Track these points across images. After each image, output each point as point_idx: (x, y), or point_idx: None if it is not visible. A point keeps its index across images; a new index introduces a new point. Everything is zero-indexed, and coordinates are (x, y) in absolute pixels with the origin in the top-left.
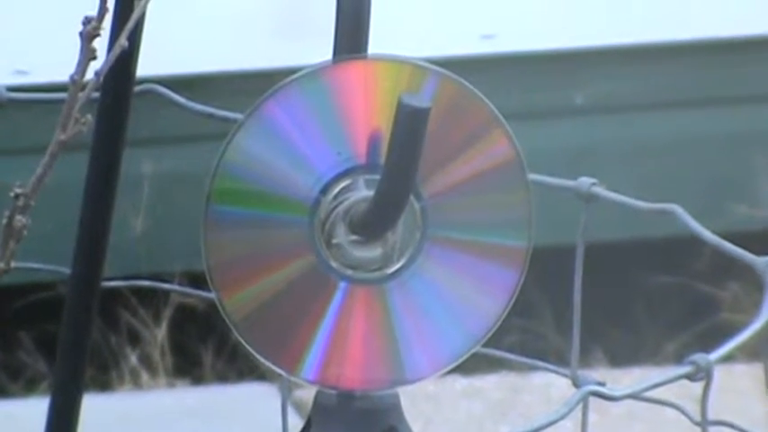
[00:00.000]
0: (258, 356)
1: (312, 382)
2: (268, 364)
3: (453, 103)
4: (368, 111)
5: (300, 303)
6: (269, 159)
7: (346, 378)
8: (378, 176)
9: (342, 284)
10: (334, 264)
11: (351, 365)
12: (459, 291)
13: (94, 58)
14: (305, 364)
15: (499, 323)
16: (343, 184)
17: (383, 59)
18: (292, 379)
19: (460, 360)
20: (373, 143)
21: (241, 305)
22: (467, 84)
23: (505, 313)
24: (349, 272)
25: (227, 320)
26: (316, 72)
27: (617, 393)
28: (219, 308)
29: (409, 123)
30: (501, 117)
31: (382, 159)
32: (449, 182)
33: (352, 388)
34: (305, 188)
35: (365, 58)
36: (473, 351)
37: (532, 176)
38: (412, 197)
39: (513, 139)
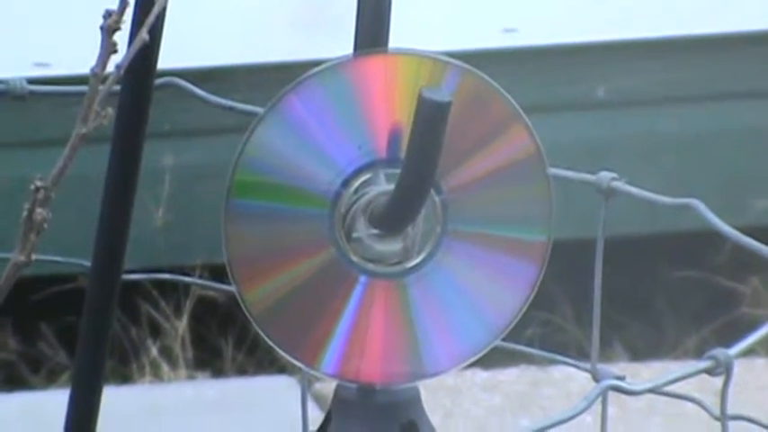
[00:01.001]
0: (278, 350)
1: (332, 376)
2: (288, 357)
3: (474, 98)
4: (389, 105)
5: (320, 297)
6: (289, 153)
7: (366, 372)
8: (398, 170)
9: (362, 278)
10: (354, 258)
11: (370, 359)
12: (480, 285)
13: (115, 51)
14: (325, 358)
15: (519, 317)
16: (363, 178)
17: (404, 53)
18: (312, 372)
19: (480, 354)
20: (394, 137)
21: (261, 298)
22: (488, 78)
23: (525, 307)
24: (369, 266)
25: (247, 314)
26: (336, 66)
27: (637, 388)
28: (240, 301)
29: (430, 117)
30: (521, 111)
31: (403, 153)
32: (469, 176)
33: (371, 381)
34: (325, 182)
35: (386, 51)
36: (493, 345)
37: (552, 170)
38: (432, 191)
39: (533, 134)
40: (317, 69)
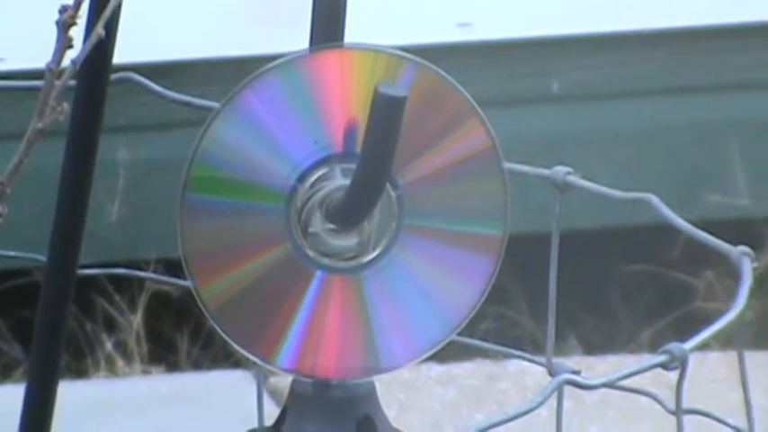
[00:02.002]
0: (234, 345)
1: (288, 371)
2: (244, 352)
3: (430, 92)
4: (344, 99)
5: (276, 292)
6: (245, 147)
7: (322, 366)
8: (354, 165)
9: (318, 273)
10: (310, 253)
11: (326, 354)
12: (435, 279)
13: (71, 46)
14: (281, 353)
15: (475, 311)
16: (319, 173)
17: (360, 48)
18: (268, 368)
19: (436, 348)
20: (350, 132)
21: (217, 293)
22: (443, 73)
23: (481, 301)
24: (325, 261)
25: (203, 309)
26: (292, 61)
27: (592, 382)
28: (195, 296)
29: (386, 112)
30: (477, 106)
31: (359, 148)
32: (425, 171)
33: (327, 376)
34: (281, 176)
35: (342, 46)
36: (449, 339)
37: (508, 165)
38: (388, 186)
39: (489, 128)
40: (272, 64)
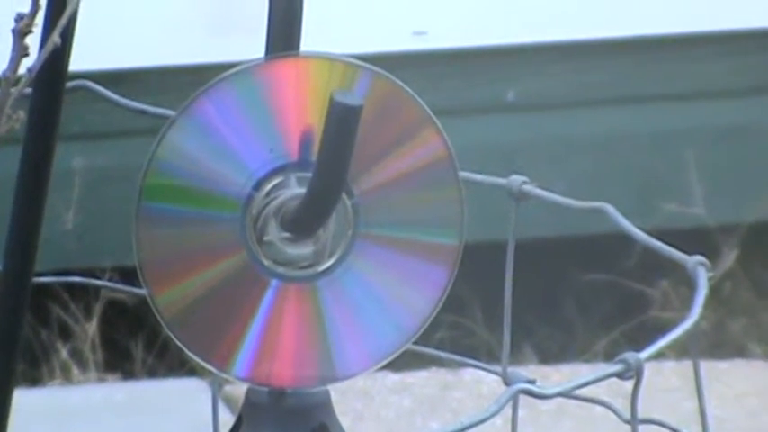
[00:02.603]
0: (189, 353)
1: (243, 380)
2: (199, 361)
3: (385, 101)
4: (300, 108)
5: (232, 300)
6: (201, 156)
7: (277, 375)
8: (310, 174)
9: (273, 282)
10: (265, 261)
11: (282, 363)
12: (391, 288)
13: (27, 54)
14: (236, 362)
15: (430, 320)
16: (275, 182)
17: (315, 57)
18: (223, 376)
19: (392, 357)
20: (305, 140)
21: (172, 302)
22: (398, 81)
23: (437, 310)
24: (280, 269)
25: (159, 317)
26: (248, 69)
27: (547, 392)
28: (151, 304)
29: (341, 121)
30: (432, 115)
31: (314, 157)
32: (380, 179)
33: (283, 385)
34: (237, 185)
35: (297, 55)
36: (404, 348)
37: (464, 174)
38: (343, 194)
39: (444, 137)
40: (228, 73)
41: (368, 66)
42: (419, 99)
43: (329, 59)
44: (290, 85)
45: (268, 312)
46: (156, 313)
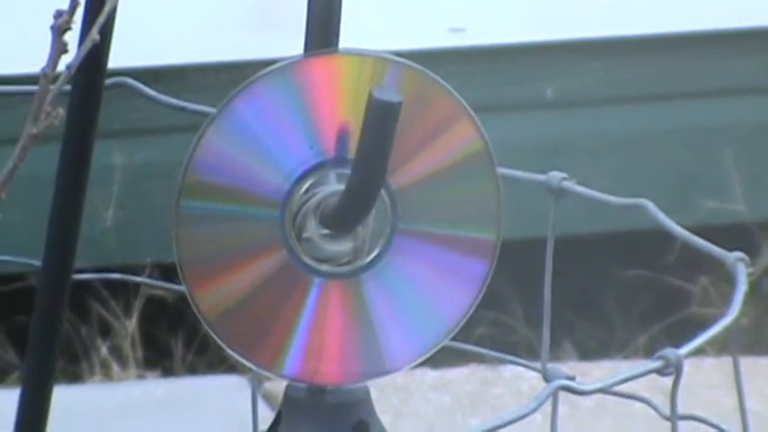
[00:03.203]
0: (231, 353)
1: (294, 379)
2: (241, 360)
3: (419, 95)
4: (338, 105)
5: (275, 299)
6: (239, 154)
7: (324, 372)
8: (348, 170)
9: (317, 280)
10: (306, 259)
11: (329, 360)
12: (430, 283)
13: (66, 51)
14: (285, 361)
15: (469, 315)
16: (313, 179)
17: (351, 53)
18: (271, 376)
19: (432, 352)
20: (344, 137)
21: (213, 300)
22: (432, 74)
23: (475, 305)
24: (323, 267)
25: (198, 315)
26: (285, 67)
27: (587, 388)
28: (191, 302)
29: (380, 117)
30: (468, 107)
31: (352, 153)
32: (417, 174)
33: (332, 382)
34: (276, 183)
35: (334, 52)
36: (444, 343)
37: (503, 170)
38: (382, 190)
39: (480, 130)
40: (265, 71)
41: (398, 59)
42: (453, 91)
43: (360, 55)
44: (328, 82)
45: (313, 310)
46: (196, 311)
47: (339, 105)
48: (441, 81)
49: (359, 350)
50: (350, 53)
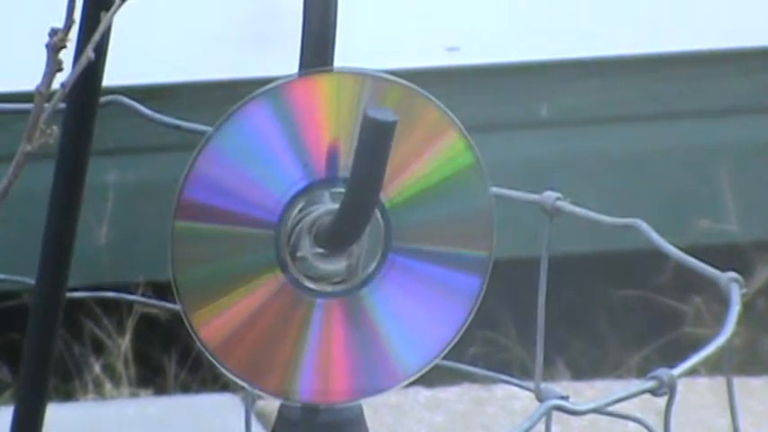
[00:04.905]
0: (240, 381)
1: (309, 401)
2: (252, 389)
3: (414, 114)
4: (333, 124)
5: (276, 322)
6: (234, 174)
7: (333, 392)
8: (343, 189)
9: (318, 301)
10: (303, 279)
11: (335, 379)
12: (423, 300)
13: (61, 69)
14: (297, 384)
15: (462, 331)
16: (307, 198)
17: (347, 73)
18: (285, 400)
19: (426, 369)
20: (338, 156)
21: (215, 329)
22: (425, 93)
23: (469, 321)
24: (324, 287)
25: (193, 334)
26: (280, 87)
27: (580, 407)
28: (186, 322)
29: (374, 136)
30: (462, 126)
31: (346, 172)
32: (409, 190)
33: (340, 400)
34: (270, 202)
35: (330, 71)
36: (436, 361)
37: (497, 190)
38: (376, 210)
39: (470, 142)
40: (260, 91)
41: (395, 79)
42: (447, 110)
43: (356, 74)
44: (323, 101)
45: (318, 331)
46: (190, 330)
47: (334, 124)
48: (428, 95)
49: (357, 368)
50: (346, 72)
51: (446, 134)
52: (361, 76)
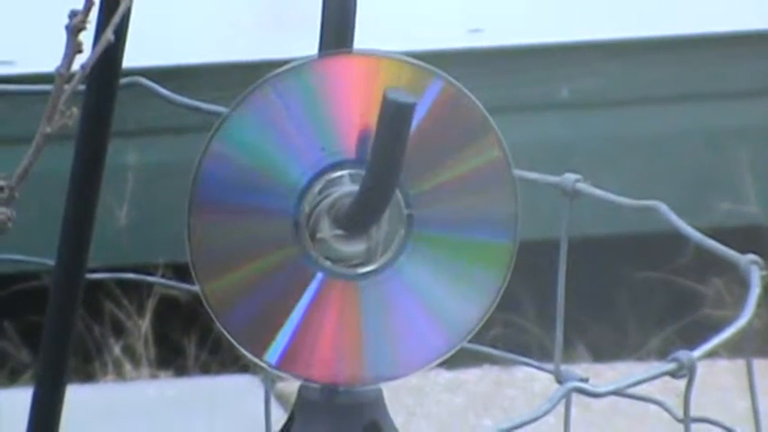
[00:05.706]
0: (229, 337)
1: (275, 368)
2: (236, 345)
3: (443, 102)
4: (354, 105)
5: (277, 292)
6: (255, 151)
7: (315, 369)
8: (363, 171)
9: (319, 275)
10: (313, 254)
11: (320, 357)
12: (443, 288)
13: (80, 51)
14: (271, 349)
15: (484, 321)
16: (328, 178)
17: (366, 54)
18: (256, 361)
19: (442, 358)
20: (359, 138)
21: (221, 292)
22: (456, 83)
23: (490, 312)
24: (327, 264)
25: (210, 311)
26: (302, 66)
27: (600, 390)
28: (203, 299)
29: (393, 119)
30: (488, 115)
31: (368, 154)
32: (436, 181)
33: (317, 379)
34: (290, 181)
35: (350, 52)
36: (457, 348)
37: (517, 172)
38: (399, 194)
39: (500, 139)
40: (281, 70)
41: (422, 64)
42: (477, 101)
43: (375, 56)
44: (343, 83)
45: (309, 305)
46: (207, 307)
47: (354, 106)
48: (466, 91)
49: (372, 351)
50: (365, 54)
51: (477, 129)
52: (380, 58)
